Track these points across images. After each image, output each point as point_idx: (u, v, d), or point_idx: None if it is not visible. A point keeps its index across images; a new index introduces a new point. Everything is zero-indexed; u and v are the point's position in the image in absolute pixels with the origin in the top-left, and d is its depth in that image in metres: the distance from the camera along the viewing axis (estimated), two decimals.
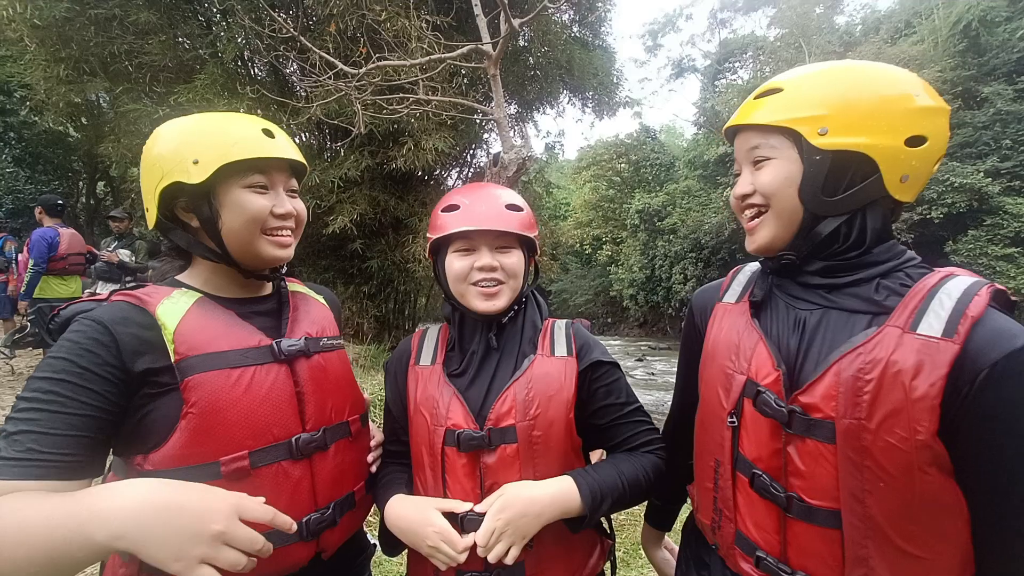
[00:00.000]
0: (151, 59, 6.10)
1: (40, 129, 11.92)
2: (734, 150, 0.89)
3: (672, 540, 1.23)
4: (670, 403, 1.16)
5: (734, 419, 0.83)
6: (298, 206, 1.00)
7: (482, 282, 1.01)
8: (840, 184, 0.76)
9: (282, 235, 0.97)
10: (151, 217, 0.94)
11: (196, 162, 0.87)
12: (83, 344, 0.79)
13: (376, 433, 1.19)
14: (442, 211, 1.04)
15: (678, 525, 1.17)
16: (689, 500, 1.07)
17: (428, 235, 1.09)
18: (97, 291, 5.27)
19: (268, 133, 0.94)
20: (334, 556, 1.00)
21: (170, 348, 0.84)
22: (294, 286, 1.12)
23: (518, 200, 1.07)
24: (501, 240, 1.03)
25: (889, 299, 0.73)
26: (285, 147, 0.96)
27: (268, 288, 1.07)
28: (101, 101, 9.16)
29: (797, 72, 0.81)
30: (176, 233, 0.96)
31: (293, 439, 0.91)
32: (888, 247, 0.78)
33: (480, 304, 1.02)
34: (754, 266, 0.96)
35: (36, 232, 5.09)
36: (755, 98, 0.84)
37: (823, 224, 0.78)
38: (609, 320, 27.54)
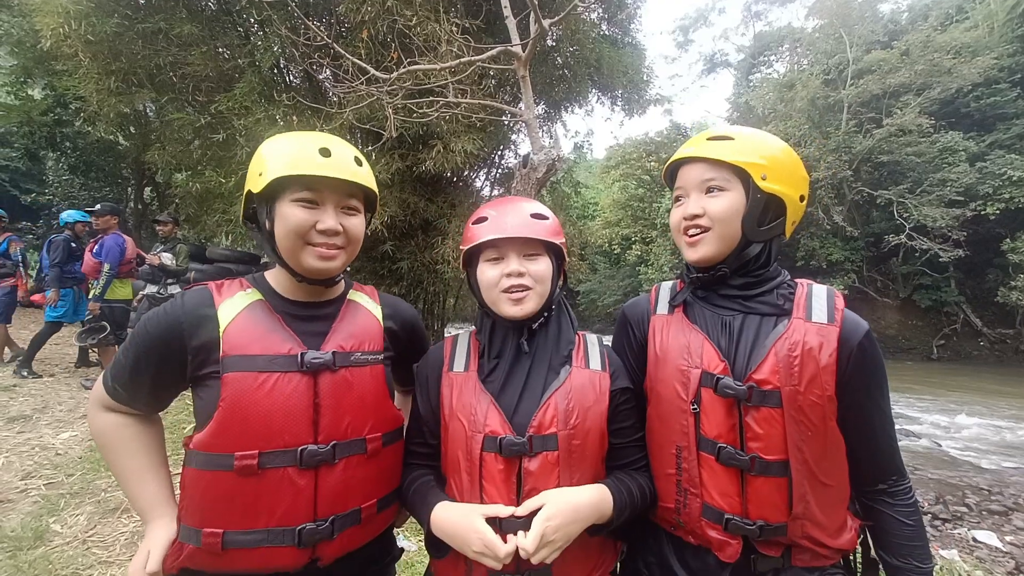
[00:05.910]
0: (193, 69, 6.36)
1: (93, 138, 12.60)
2: (678, 177, 1.08)
3: None
4: None
5: (696, 406, 1.00)
6: (349, 223, 1.04)
7: (511, 288, 1.05)
8: (766, 219, 1.01)
9: (325, 249, 1.01)
10: (241, 214, 1.09)
11: (260, 174, 0.97)
12: (160, 319, 0.99)
13: None
14: (472, 224, 1.10)
15: None
16: None
17: (460, 247, 1.13)
18: (145, 292, 5.58)
19: (325, 152, 0.98)
20: (342, 563, 1.02)
21: (220, 344, 0.94)
22: (356, 295, 1.15)
23: (543, 210, 1.11)
24: (529, 247, 1.07)
25: (785, 304, 1.01)
26: (337, 167, 0.99)
27: (335, 292, 1.13)
28: (148, 111, 9.65)
29: (740, 130, 1.04)
30: (254, 233, 1.05)
31: (299, 449, 0.94)
32: (775, 267, 1.07)
33: (509, 309, 1.05)
34: (669, 283, 1.19)
35: (110, 238, 5.52)
36: (708, 139, 1.04)
37: (751, 248, 1.02)
38: None
